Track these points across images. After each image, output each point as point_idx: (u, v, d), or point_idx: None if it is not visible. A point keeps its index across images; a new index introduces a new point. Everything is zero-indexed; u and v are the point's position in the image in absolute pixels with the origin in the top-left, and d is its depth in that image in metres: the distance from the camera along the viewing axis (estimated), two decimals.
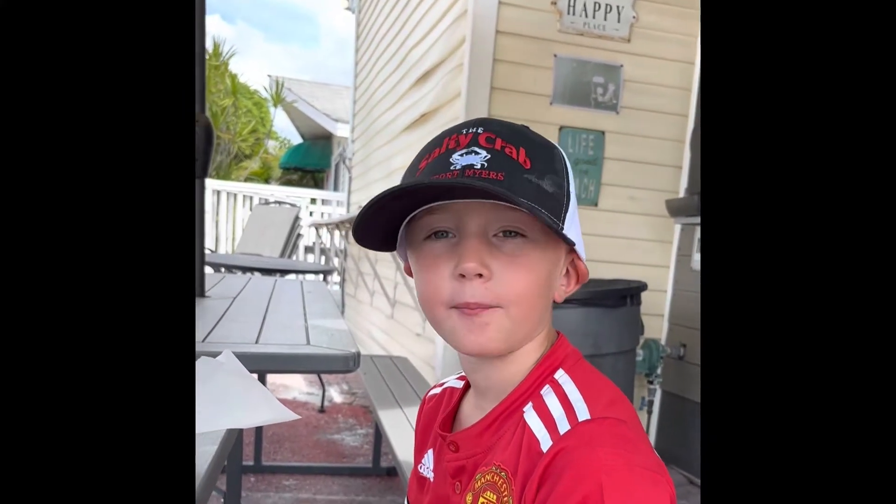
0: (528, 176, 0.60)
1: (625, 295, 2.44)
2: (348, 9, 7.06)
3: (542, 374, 0.66)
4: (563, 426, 0.60)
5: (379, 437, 2.89)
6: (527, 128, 0.66)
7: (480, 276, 0.61)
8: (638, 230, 2.94)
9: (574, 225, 0.64)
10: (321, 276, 5.94)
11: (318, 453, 3.13)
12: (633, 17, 2.83)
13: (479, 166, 0.60)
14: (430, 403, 0.80)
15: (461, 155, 0.61)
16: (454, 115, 2.86)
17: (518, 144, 0.61)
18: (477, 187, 0.58)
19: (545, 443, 0.60)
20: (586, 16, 2.79)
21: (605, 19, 2.80)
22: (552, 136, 2.81)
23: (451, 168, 0.60)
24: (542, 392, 0.64)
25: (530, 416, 0.62)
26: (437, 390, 0.81)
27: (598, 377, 0.68)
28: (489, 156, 0.60)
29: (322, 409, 3.80)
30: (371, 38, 5.40)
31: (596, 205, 2.88)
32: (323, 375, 4.03)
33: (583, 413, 0.61)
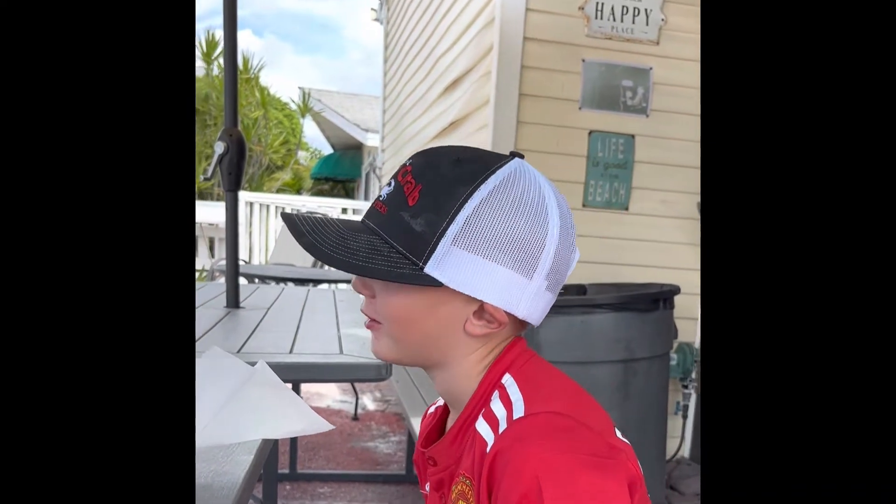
0: (403, 213, 0.65)
1: (657, 299, 2.41)
2: (376, 20, 7.12)
3: (491, 381, 0.68)
4: (503, 426, 0.62)
5: (412, 444, 2.88)
6: (459, 161, 0.66)
7: (374, 297, 0.69)
8: (670, 233, 2.90)
9: (467, 267, 0.64)
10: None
11: (352, 461, 3.14)
12: (662, 20, 2.81)
13: (382, 198, 0.68)
14: (427, 420, 0.83)
15: (387, 184, 0.68)
16: (483, 123, 2.86)
17: (421, 180, 0.65)
18: (304, 243, 0.66)
19: (489, 444, 0.62)
20: (614, 19, 2.77)
21: (634, 22, 2.78)
22: (582, 141, 2.80)
23: (378, 197, 0.69)
24: (491, 398, 0.67)
25: (480, 423, 0.65)
26: (433, 409, 0.83)
27: (545, 374, 0.69)
28: (392, 189, 0.67)
29: (356, 417, 3.81)
30: (399, 48, 5.44)
31: (627, 209, 2.85)
32: (356, 384, 4.05)
33: (519, 411, 0.63)
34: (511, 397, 0.65)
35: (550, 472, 0.56)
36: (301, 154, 14.48)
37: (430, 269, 0.64)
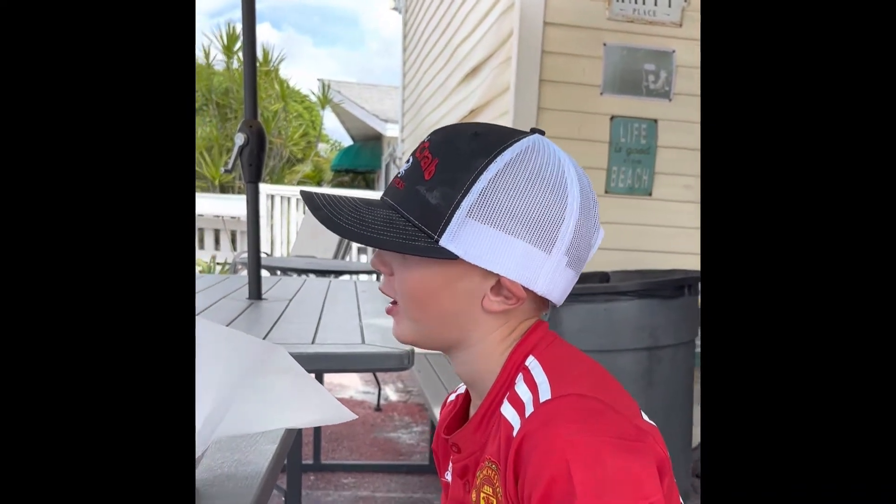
0: (420, 187, 0.65)
1: (682, 285, 2.37)
2: (395, 9, 7.10)
3: (514, 364, 0.67)
4: (529, 409, 0.61)
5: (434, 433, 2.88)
6: (477, 135, 0.65)
7: (392, 274, 0.69)
8: (694, 219, 2.85)
9: (483, 240, 0.63)
10: (374, 276, 5.99)
11: (375, 451, 3.15)
12: (685, 1, 2.75)
13: (400, 175, 0.68)
14: (447, 408, 0.82)
15: (406, 161, 0.68)
16: (503, 110, 2.83)
17: (438, 155, 0.65)
18: (319, 216, 0.66)
19: (516, 428, 0.61)
20: (636, 2, 2.73)
21: (656, 4, 2.73)
22: (604, 127, 2.77)
23: (396, 174, 0.69)
24: (515, 381, 0.66)
25: (505, 407, 0.65)
26: (453, 396, 0.82)
27: (569, 356, 0.69)
28: (410, 165, 0.67)
29: (378, 408, 3.83)
30: (418, 37, 5.41)
31: (650, 194, 2.82)
32: (378, 374, 4.06)
33: (545, 393, 0.62)
34: (536, 380, 0.64)
35: (579, 455, 0.55)
36: (321, 146, 14.54)
37: (445, 241, 0.63)
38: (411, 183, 0.66)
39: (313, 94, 12.18)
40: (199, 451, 0.64)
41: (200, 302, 1.75)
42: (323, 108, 11.19)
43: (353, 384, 4.39)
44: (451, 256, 0.64)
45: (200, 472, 0.68)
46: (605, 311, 2.22)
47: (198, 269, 7.28)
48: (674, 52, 2.77)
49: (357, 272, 4.44)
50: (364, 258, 7.31)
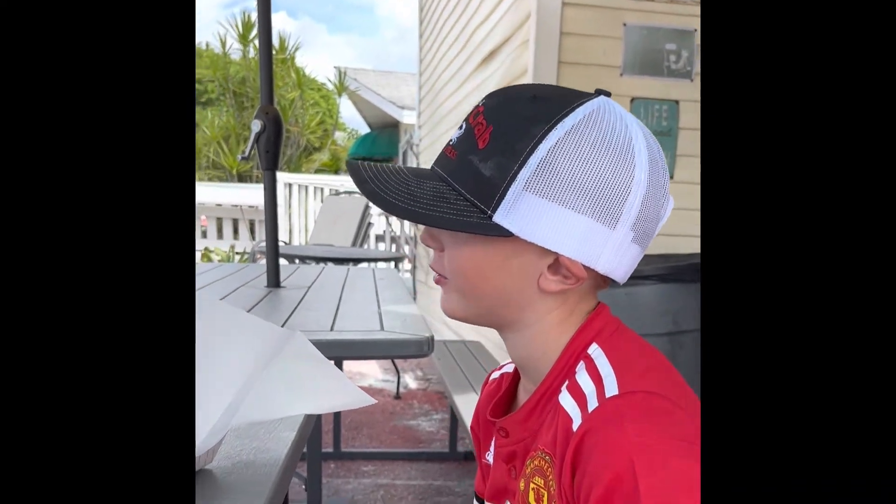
0: (473, 157, 0.60)
1: None
2: None
3: (575, 350, 0.63)
4: (593, 403, 0.58)
5: (455, 421, 2.88)
6: (535, 98, 0.61)
7: (443, 250, 0.65)
8: None
9: (541, 216, 0.58)
10: (392, 264, 6.00)
11: (395, 439, 3.16)
12: None
13: (452, 143, 0.63)
14: (489, 387, 0.79)
15: (458, 128, 0.63)
16: None
17: (493, 121, 0.60)
18: (365, 190, 0.62)
19: (576, 421, 0.58)
20: None
21: None
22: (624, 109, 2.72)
23: (448, 142, 0.64)
24: (576, 369, 0.62)
25: (564, 396, 0.61)
26: (497, 374, 0.79)
27: (635, 346, 0.65)
28: (462, 132, 0.62)
29: (398, 396, 3.84)
30: (434, 22, 5.37)
31: (671, 177, 2.77)
32: (398, 362, 4.07)
33: (612, 388, 0.58)
34: (601, 371, 0.60)
35: (646, 455, 0.53)
36: (338, 134, 14.56)
37: (499, 217, 0.59)
38: (464, 152, 0.61)
39: (329, 81, 12.17)
40: (217, 439, 0.64)
41: (219, 290, 1.75)
42: (339, 95, 11.18)
43: (373, 372, 4.40)
44: (505, 234, 0.59)
45: (219, 460, 0.67)
46: (626, 295, 2.19)
47: (216, 258, 7.33)
48: (695, 30, 2.71)
49: (375, 259, 4.44)
50: (382, 246, 7.31)
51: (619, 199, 0.59)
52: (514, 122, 0.59)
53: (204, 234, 8.67)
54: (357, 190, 0.67)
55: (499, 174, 0.58)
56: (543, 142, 0.58)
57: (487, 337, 3.34)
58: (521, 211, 0.59)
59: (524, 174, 0.58)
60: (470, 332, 3.75)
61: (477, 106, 0.63)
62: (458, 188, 0.61)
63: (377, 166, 0.65)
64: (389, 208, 0.60)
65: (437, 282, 0.68)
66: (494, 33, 3.29)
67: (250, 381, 0.65)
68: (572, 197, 0.58)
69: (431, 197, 0.61)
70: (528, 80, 2.69)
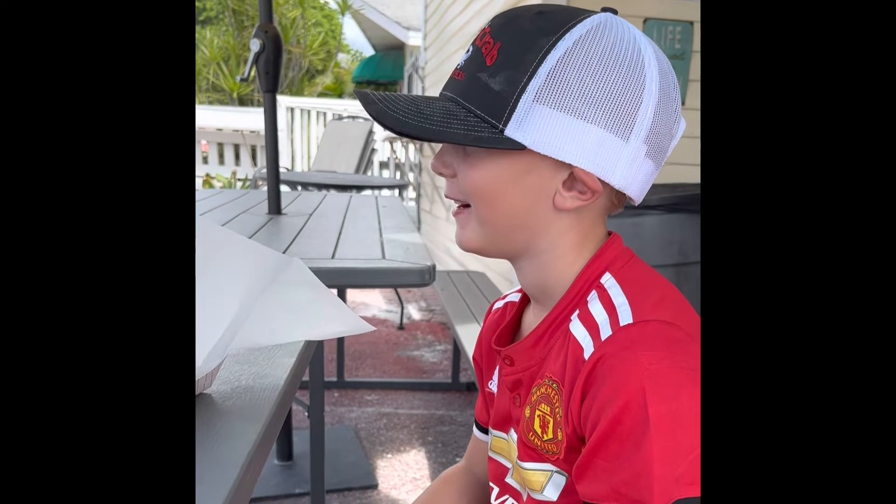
0: (482, 74, 0.60)
1: None
2: None
3: (588, 279, 0.64)
4: (606, 332, 0.58)
5: (457, 352, 2.92)
6: (541, 13, 0.60)
7: (455, 175, 0.64)
8: None
9: (552, 127, 0.58)
10: (396, 192, 5.96)
11: (398, 369, 3.20)
12: None
13: (460, 66, 0.63)
14: (492, 317, 0.79)
15: (466, 51, 0.63)
16: None
17: (500, 38, 0.60)
18: (374, 111, 0.61)
19: (588, 350, 0.58)
20: None
21: None
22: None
23: (456, 66, 0.64)
24: (588, 298, 0.62)
25: (575, 325, 0.61)
26: (500, 304, 0.79)
27: (649, 276, 0.65)
28: (470, 54, 0.62)
29: (401, 327, 3.87)
30: None
31: (683, 103, 2.70)
32: (401, 293, 4.09)
33: (626, 317, 0.58)
34: (614, 301, 0.60)
35: (658, 384, 0.53)
36: (342, 57, 14.21)
37: (510, 130, 0.58)
38: (472, 72, 0.61)
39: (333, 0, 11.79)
40: (216, 363, 0.63)
41: (220, 217, 1.73)
42: (343, 14, 10.85)
43: (376, 303, 4.43)
44: (517, 146, 0.59)
45: (218, 385, 0.67)
46: (632, 225, 2.17)
47: (218, 184, 7.29)
48: None
49: (379, 187, 4.40)
50: (386, 173, 7.25)
51: (630, 110, 0.58)
52: (521, 37, 0.59)
53: (205, 160, 8.60)
54: (361, 115, 0.65)
55: (508, 87, 0.58)
56: (552, 52, 0.57)
57: (491, 267, 3.34)
58: (532, 123, 0.58)
59: (534, 85, 0.57)
60: (474, 262, 3.76)
61: (483, 28, 0.63)
62: (469, 105, 0.60)
63: (383, 93, 0.64)
64: (400, 126, 0.59)
65: (455, 214, 0.67)
66: None
67: (248, 305, 0.64)
68: (584, 107, 0.57)
69: (442, 115, 0.60)
70: None
